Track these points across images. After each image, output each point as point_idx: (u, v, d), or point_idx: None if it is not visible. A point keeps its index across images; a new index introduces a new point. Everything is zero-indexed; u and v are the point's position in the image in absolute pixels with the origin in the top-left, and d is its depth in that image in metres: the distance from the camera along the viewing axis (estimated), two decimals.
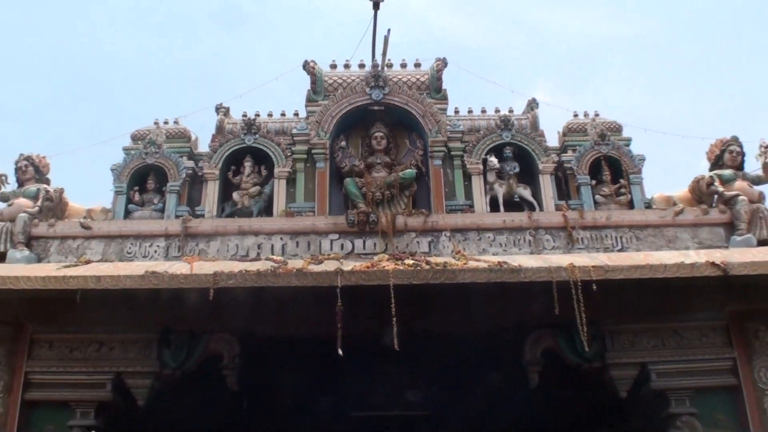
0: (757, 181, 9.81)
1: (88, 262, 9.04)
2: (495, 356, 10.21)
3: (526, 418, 13.27)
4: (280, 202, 9.79)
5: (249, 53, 30.54)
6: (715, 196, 9.68)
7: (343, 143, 10.15)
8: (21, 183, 10.00)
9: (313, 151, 10.03)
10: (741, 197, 9.48)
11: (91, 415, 8.81)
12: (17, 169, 10.04)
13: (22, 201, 9.72)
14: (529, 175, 10.10)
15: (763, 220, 9.39)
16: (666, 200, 9.92)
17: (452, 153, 10.12)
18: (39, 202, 9.69)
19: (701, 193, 9.82)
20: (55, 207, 9.82)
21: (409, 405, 12.06)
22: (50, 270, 8.62)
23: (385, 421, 13.79)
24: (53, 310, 8.81)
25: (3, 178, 9.96)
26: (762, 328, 8.99)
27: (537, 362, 9.06)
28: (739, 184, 9.72)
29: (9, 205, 9.72)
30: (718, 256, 8.45)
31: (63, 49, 29.11)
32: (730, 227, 9.45)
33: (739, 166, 10.02)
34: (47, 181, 10.10)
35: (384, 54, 10.91)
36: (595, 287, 7.89)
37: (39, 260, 9.32)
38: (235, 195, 9.92)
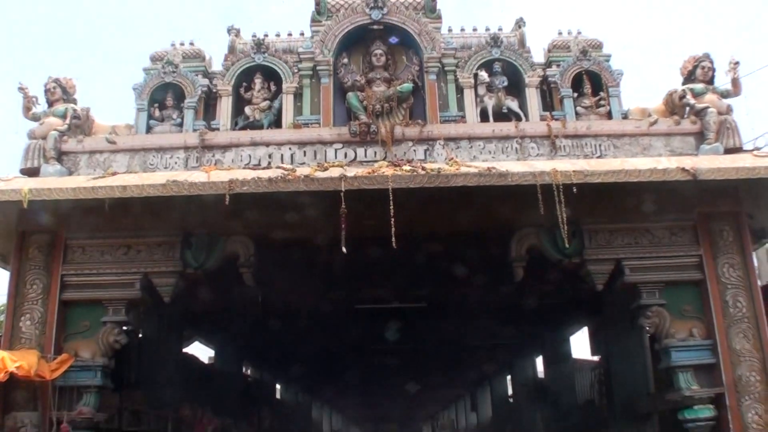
0: (726, 94, 9.69)
1: (114, 173, 9.04)
2: (485, 254, 10.32)
3: (513, 309, 13.56)
4: (288, 116, 9.71)
5: None
6: (687, 108, 9.58)
7: (346, 60, 10.01)
8: (50, 104, 9.89)
9: (318, 68, 9.90)
10: (711, 109, 9.40)
11: (122, 311, 8.99)
12: (46, 91, 9.90)
13: (52, 120, 9.63)
14: (516, 88, 9.99)
15: (730, 131, 9.35)
16: (642, 112, 9.84)
17: (446, 68, 9.98)
18: (68, 121, 9.60)
19: (674, 106, 9.73)
20: (82, 124, 9.75)
21: (408, 298, 12.25)
22: (80, 182, 8.66)
23: (386, 313, 14.07)
24: (84, 218, 8.90)
25: (34, 99, 9.85)
26: (726, 228, 9.10)
27: (522, 258, 9.16)
28: (710, 97, 9.60)
29: (40, 124, 9.63)
30: (688, 162, 8.46)
31: None
32: (700, 137, 9.40)
33: (710, 81, 9.87)
34: (74, 102, 9.99)
35: None
36: (575, 190, 7.95)
37: (70, 174, 9.30)
38: (247, 109, 9.83)
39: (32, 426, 8.26)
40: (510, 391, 25.57)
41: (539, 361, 21.11)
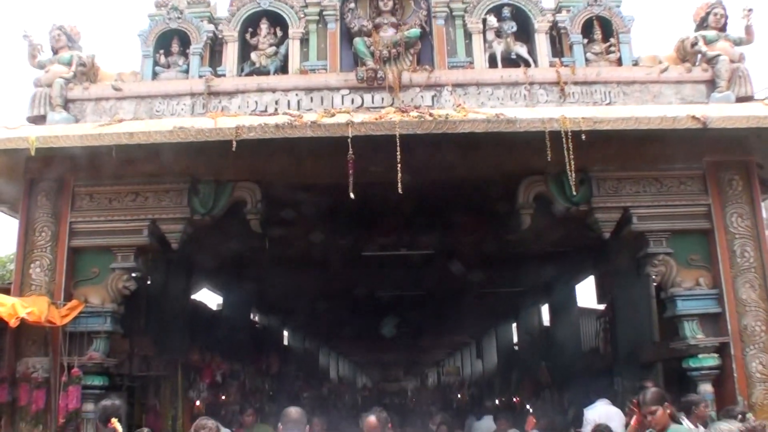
0: (738, 42, 9.51)
1: (121, 120, 8.97)
2: (492, 201, 10.30)
3: (520, 257, 13.59)
4: (294, 61, 9.58)
5: None
6: (699, 56, 9.42)
7: (353, 5, 9.81)
8: (55, 51, 9.77)
9: (325, 12, 9.74)
10: (722, 57, 9.24)
11: (130, 258, 9.00)
12: (51, 38, 9.80)
13: (58, 67, 9.52)
14: (525, 34, 9.82)
15: (742, 79, 9.20)
16: (653, 59, 9.68)
17: (454, 13, 9.80)
18: (73, 68, 9.50)
19: (686, 53, 9.57)
20: (88, 72, 9.66)
21: (415, 246, 12.27)
22: (87, 129, 8.63)
23: (392, 260, 14.11)
24: (92, 165, 8.87)
25: (38, 47, 9.75)
26: (736, 178, 9.02)
27: (529, 206, 9.10)
28: (722, 44, 9.43)
29: (45, 72, 9.55)
30: (698, 110, 8.35)
31: None
32: (711, 85, 9.26)
33: (723, 28, 9.68)
34: (79, 49, 9.88)
35: None
36: (584, 137, 7.86)
37: (76, 121, 9.25)
38: (253, 55, 9.70)
39: (43, 371, 8.37)
40: (515, 339, 25.82)
41: (545, 310, 21.26)
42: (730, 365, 8.51)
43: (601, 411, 9.09)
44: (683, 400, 7.27)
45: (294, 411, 6.03)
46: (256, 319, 21.86)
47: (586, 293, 17.59)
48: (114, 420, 6.37)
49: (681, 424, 5.70)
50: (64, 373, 8.31)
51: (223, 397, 13.84)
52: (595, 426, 7.78)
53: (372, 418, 5.72)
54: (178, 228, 8.99)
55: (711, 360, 8.53)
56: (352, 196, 7.66)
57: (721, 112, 8.39)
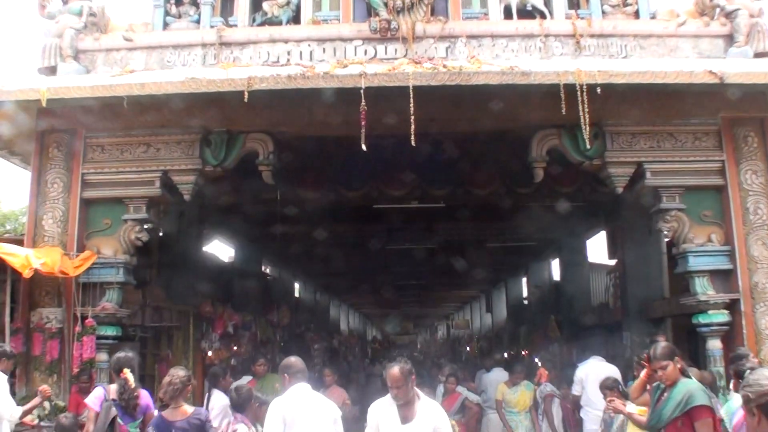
0: None
1: (132, 71, 8.90)
2: (504, 154, 10.24)
3: (531, 211, 13.56)
4: (307, 12, 9.42)
5: None
6: (717, 10, 9.23)
7: None
8: (65, 1, 9.66)
9: None
10: (742, 11, 9.06)
11: (142, 209, 9.00)
12: None
13: (68, 18, 9.41)
14: None
15: (760, 34, 9.03)
16: (671, 13, 9.49)
17: None
18: (83, 18, 9.40)
19: (704, 7, 9.38)
20: (98, 22, 9.55)
21: (426, 199, 12.23)
22: (98, 80, 8.55)
23: (403, 214, 14.11)
24: (103, 116, 8.80)
25: None
26: (751, 134, 8.90)
27: (542, 159, 9.01)
28: None
29: (56, 23, 9.45)
30: (715, 65, 8.20)
31: None
32: (730, 39, 9.10)
33: None
34: None
35: None
36: (599, 90, 7.72)
37: (87, 72, 9.19)
38: (265, 5, 9.56)
39: (57, 321, 8.45)
40: (525, 293, 25.94)
41: (555, 264, 21.30)
42: (740, 322, 8.49)
43: (591, 367, 9.18)
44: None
45: (297, 360, 6.08)
46: (268, 271, 22.00)
47: (597, 249, 17.60)
48: (126, 370, 6.47)
49: (691, 378, 5.70)
50: (78, 324, 8.40)
51: (235, 348, 13.98)
52: (605, 378, 7.83)
53: (395, 370, 5.44)
54: (190, 179, 8.96)
55: (721, 316, 8.52)
56: (364, 147, 7.60)
57: (739, 67, 8.25)
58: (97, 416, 6.44)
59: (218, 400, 8.07)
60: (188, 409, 5.92)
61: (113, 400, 6.45)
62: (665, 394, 5.67)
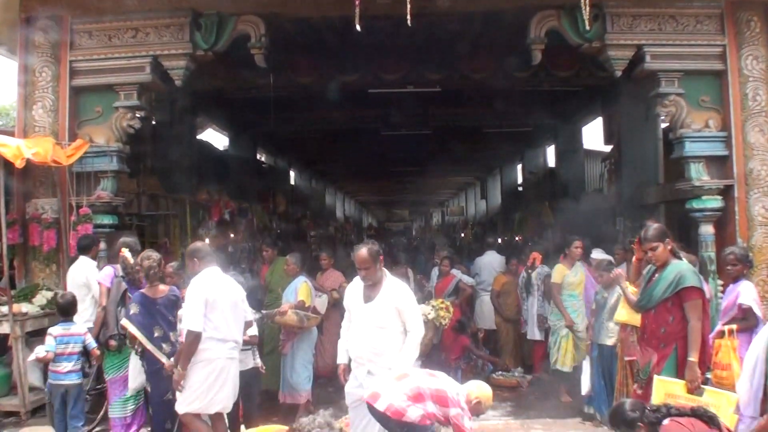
0: None
1: None
2: (502, 35, 10.02)
3: (528, 96, 13.40)
4: None
5: None
6: None
7: None
8: None
9: None
10: None
11: (133, 96, 8.80)
12: None
13: None
14: None
15: None
16: None
17: None
18: None
19: None
20: None
21: (422, 83, 12.06)
22: None
23: (399, 98, 13.94)
24: (90, 0, 8.52)
25: None
26: (754, 19, 8.63)
27: (541, 41, 8.75)
28: None
29: None
30: None
31: None
32: None
33: None
34: None
35: None
36: None
37: None
38: None
39: (53, 211, 8.43)
40: (520, 180, 26.01)
41: (551, 151, 21.27)
42: (733, 208, 8.51)
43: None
44: None
45: (204, 245, 6.56)
46: (263, 158, 21.97)
47: (593, 135, 17.54)
48: (124, 249, 7.06)
49: (681, 259, 5.76)
50: (74, 213, 8.39)
51: (232, 235, 14.09)
52: (600, 260, 8.06)
53: (363, 251, 5.64)
54: (181, 64, 8.73)
55: (714, 202, 8.54)
56: (358, 28, 7.36)
57: None
58: (109, 291, 7.11)
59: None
60: (164, 288, 6.52)
61: (122, 276, 7.03)
62: (656, 275, 5.75)
